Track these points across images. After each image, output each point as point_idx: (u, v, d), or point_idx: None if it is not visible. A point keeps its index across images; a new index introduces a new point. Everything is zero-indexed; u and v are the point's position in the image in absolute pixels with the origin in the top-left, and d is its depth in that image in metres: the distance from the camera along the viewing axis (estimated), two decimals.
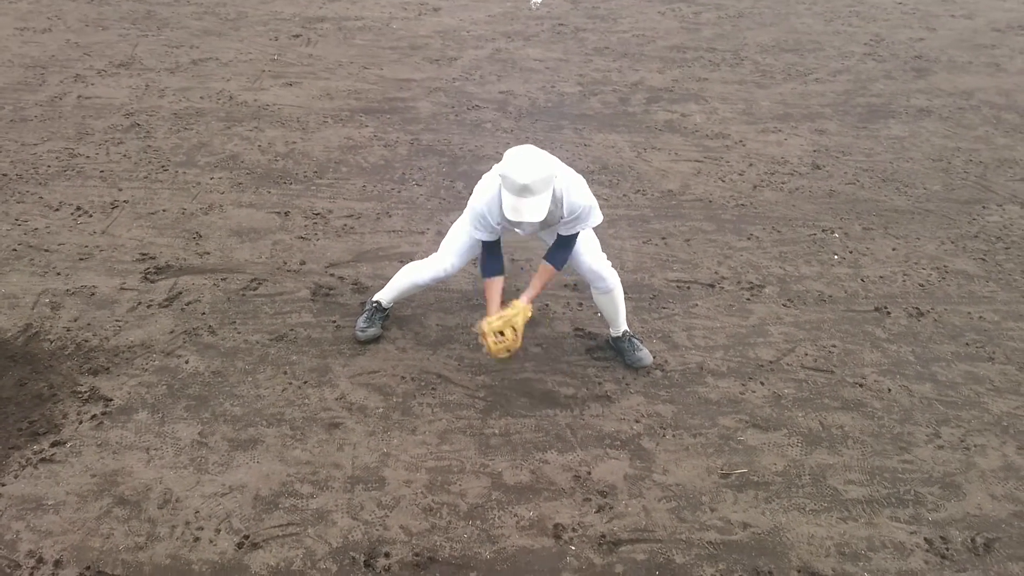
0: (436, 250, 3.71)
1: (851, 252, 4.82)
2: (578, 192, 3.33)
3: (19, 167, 5.25)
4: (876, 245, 4.91)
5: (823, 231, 5.03)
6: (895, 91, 7.42)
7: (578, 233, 3.46)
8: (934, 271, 4.67)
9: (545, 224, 3.38)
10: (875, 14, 9.94)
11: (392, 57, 7.63)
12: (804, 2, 10.30)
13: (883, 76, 7.80)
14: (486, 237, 3.42)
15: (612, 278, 3.63)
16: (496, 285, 3.47)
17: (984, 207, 5.42)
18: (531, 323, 3.99)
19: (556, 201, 3.28)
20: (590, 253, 3.59)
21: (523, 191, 3.08)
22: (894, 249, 4.87)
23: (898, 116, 6.85)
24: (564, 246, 3.47)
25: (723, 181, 5.59)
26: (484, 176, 3.50)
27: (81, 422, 3.30)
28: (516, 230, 3.42)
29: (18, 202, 4.85)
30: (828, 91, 7.35)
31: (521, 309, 3.40)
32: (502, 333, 3.36)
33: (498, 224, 3.36)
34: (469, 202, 3.46)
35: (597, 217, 3.44)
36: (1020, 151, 6.29)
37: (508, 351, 3.40)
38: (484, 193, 3.37)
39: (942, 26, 9.52)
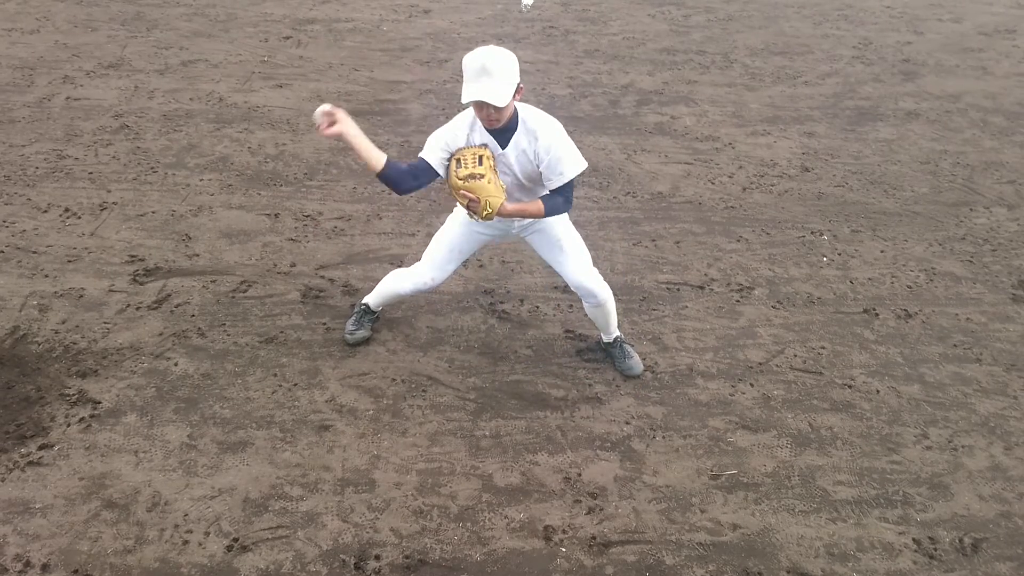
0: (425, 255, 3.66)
1: (840, 254, 4.84)
2: (553, 131, 3.20)
3: (7, 168, 5.22)
4: (864, 247, 4.93)
5: (812, 233, 5.05)
6: (883, 94, 7.46)
7: (571, 185, 3.27)
8: (922, 273, 4.70)
9: (523, 169, 3.24)
10: (863, 18, 10.00)
11: (382, 59, 7.63)
12: (793, 5, 10.36)
13: (871, 79, 7.85)
14: (426, 152, 3.20)
15: (603, 293, 3.54)
16: (382, 156, 3.15)
17: (971, 209, 5.46)
18: (521, 325, 4.01)
19: (530, 134, 3.17)
20: (581, 268, 3.50)
21: (481, 72, 2.94)
22: (882, 251, 4.90)
23: (886, 119, 6.90)
24: (561, 196, 3.28)
25: (713, 183, 5.62)
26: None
27: (69, 425, 3.28)
28: (503, 176, 3.24)
29: (6, 204, 4.82)
30: (817, 94, 7.39)
31: (489, 165, 3.16)
32: (473, 176, 3.12)
33: (447, 143, 3.19)
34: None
35: (579, 160, 3.26)
36: (1007, 154, 6.34)
37: (472, 193, 3.14)
38: (456, 118, 3.23)
39: (930, 30, 9.59)
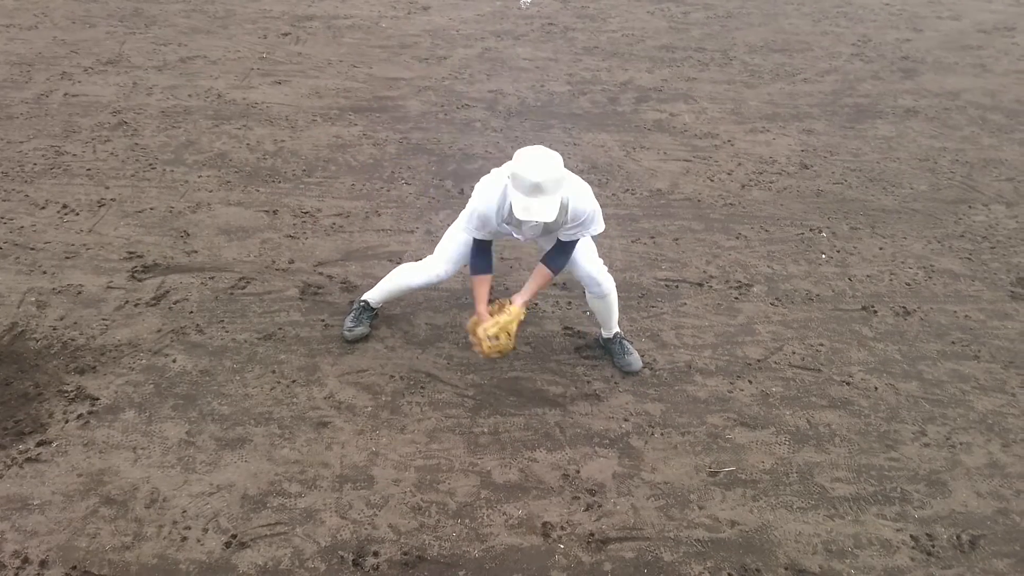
0: (426, 249, 3.70)
1: (838, 251, 4.84)
2: (584, 199, 3.29)
3: (5, 165, 5.20)
4: (863, 244, 4.93)
5: (811, 230, 5.05)
6: (882, 91, 7.46)
7: (578, 240, 3.43)
8: (920, 270, 4.70)
9: (547, 229, 3.36)
10: (863, 15, 10.00)
11: (381, 56, 7.61)
12: (792, 3, 10.35)
13: (870, 76, 7.84)
14: (482, 236, 3.40)
15: (608, 283, 3.61)
16: (485, 283, 3.45)
17: (970, 207, 5.46)
18: (521, 322, 4.00)
19: (562, 207, 3.23)
20: (588, 258, 3.57)
21: (534, 190, 3.04)
22: (881, 248, 4.90)
23: (885, 116, 6.89)
24: (563, 252, 3.43)
25: (712, 180, 5.61)
26: (484, 177, 3.45)
27: (67, 421, 3.28)
28: (515, 235, 3.41)
29: (4, 200, 4.81)
30: (816, 91, 7.38)
31: (516, 314, 3.39)
32: (496, 337, 3.35)
33: (499, 225, 3.34)
34: (470, 202, 3.42)
35: (600, 225, 3.41)
36: (1006, 151, 6.34)
37: (500, 353, 3.40)
38: (487, 192, 3.33)
39: (929, 27, 9.58)
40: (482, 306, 3.42)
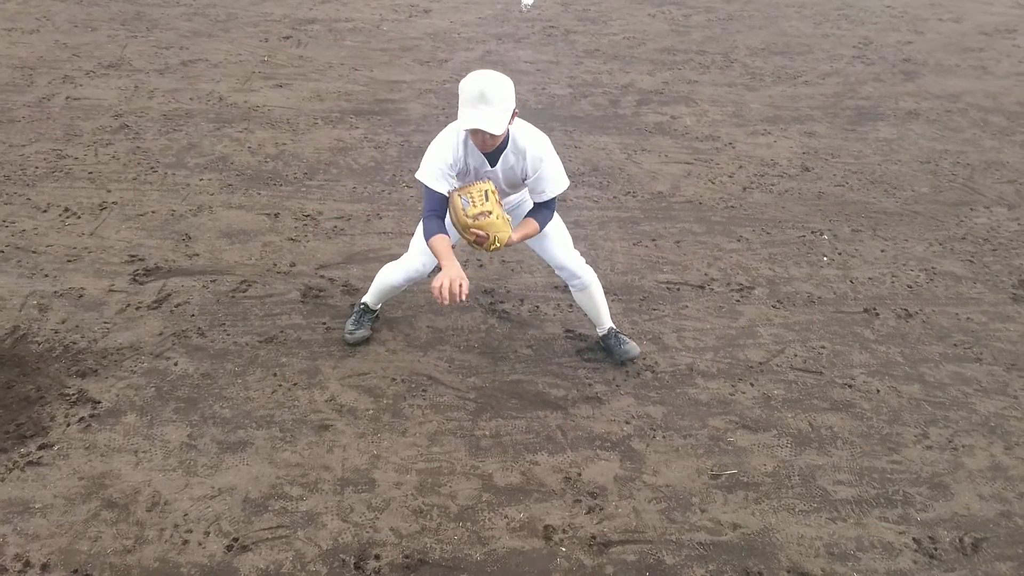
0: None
1: (840, 254, 4.84)
2: (540, 145, 3.26)
3: (6, 168, 5.21)
4: (865, 247, 4.93)
5: (812, 233, 5.05)
6: (883, 94, 7.46)
7: (554, 200, 3.38)
8: (922, 273, 4.70)
9: (510, 179, 3.31)
10: (864, 17, 10.00)
11: (383, 59, 7.63)
12: (793, 5, 10.36)
13: (872, 79, 7.85)
14: (436, 184, 3.21)
15: (587, 274, 3.63)
16: (444, 240, 3.20)
17: (971, 209, 5.46)
18: (521, 325, 4.01)
19: (519, 153, 3.23)
20: (562, 249, 3.58)
21: (479, 99, 2.98)
22: (883, 251, 4.90)
23: (886, 119, 6.89)
24: (544, 207, 3.40)
25: (713, 183, 5.61)
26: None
27: (69, 424, 3.28)
28: (476, 168, 3.29)
29: (5, 204, 4.82)
30: (817, 94, 7.39)
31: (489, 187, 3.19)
32: (484, 214, 3.14)
33: (455, 167, 3.24)
34: (430, 146, 3.28)
35: (563, 178, 3.35)
36: (1007, 153, 6.34)
37: (498, 237, 3.19)
38: (441, 137, 3.26)
39: (930, 29, 9.59)
40: (447, 259, 3.12)
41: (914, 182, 5.79)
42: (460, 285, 3.01)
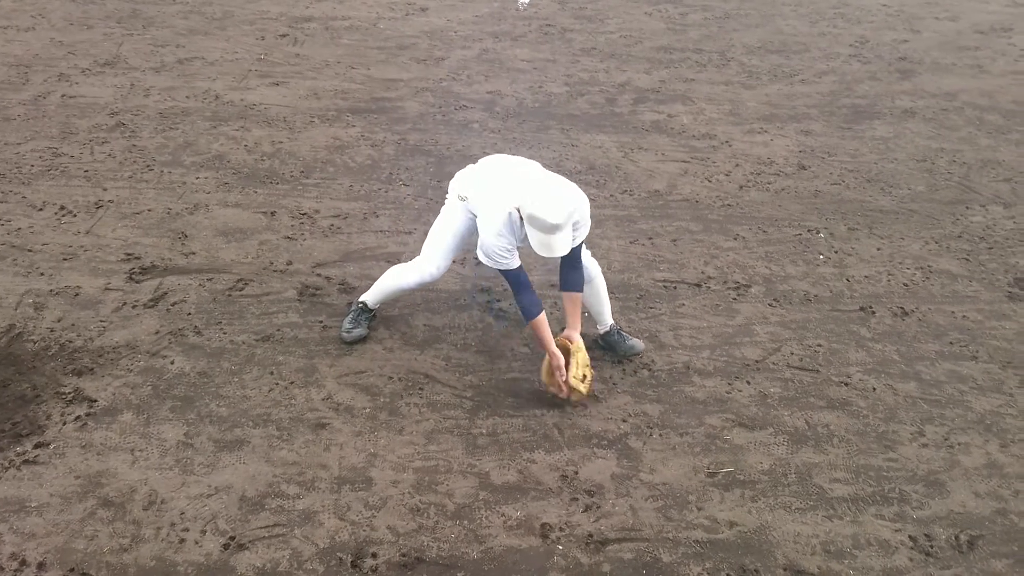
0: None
1: (836, 252, 4.85)
2: (577, 202, 3.29)
3: (2, 167, 5.20)
4: (861, 245, 4.94)
5: (809, 231, 5.06)
6: (880, 92, 7.47)
7: (581, 247, 3.45)
8: (918, 271, 4.70)
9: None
10: (860, 16, 10.01)
11: (379, 57, 7.62)
12: (790, 3, 10.36)
13: (868, 77, 7.85)
14: (516, 265, 3.37)
15: (592, 267, 3.64)
16: (544, 322, 3.43)
17: (967, 207, 5.47)
18: (518, 323, 4.01)
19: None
20: None
21: (553, 229, 3.11)
22: (879, 249, 4.91)
23: (883, 117, 6.90)
24: (574, 266, 3.46)
25: (710, 181, 5.62)
26: (483, 208, 3.39)
27: (65, 423, 3.27)
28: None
29: (1, 202, 4.81)
30: (814, 92, 7.39)
31: (581, 347, 3.48)
32: (584, 377, 3.44)
33: (516, 246, 3.38)
34: (486, 232, 3.30)
35: (588, 225, 3.42)
36: (1003, 152, 6.35)
37: (590, 389, 3.49)
38: (501, 221, 3.29)
39: (926, 28, 9.60)
40: (552, 345, 3.42)
41: (910, 180, 5.80)
42: (584, 376, 3.41)
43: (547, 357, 3.46)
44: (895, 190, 5.64)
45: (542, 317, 3.41)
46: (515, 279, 3.40)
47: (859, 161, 6.06)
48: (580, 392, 3.43)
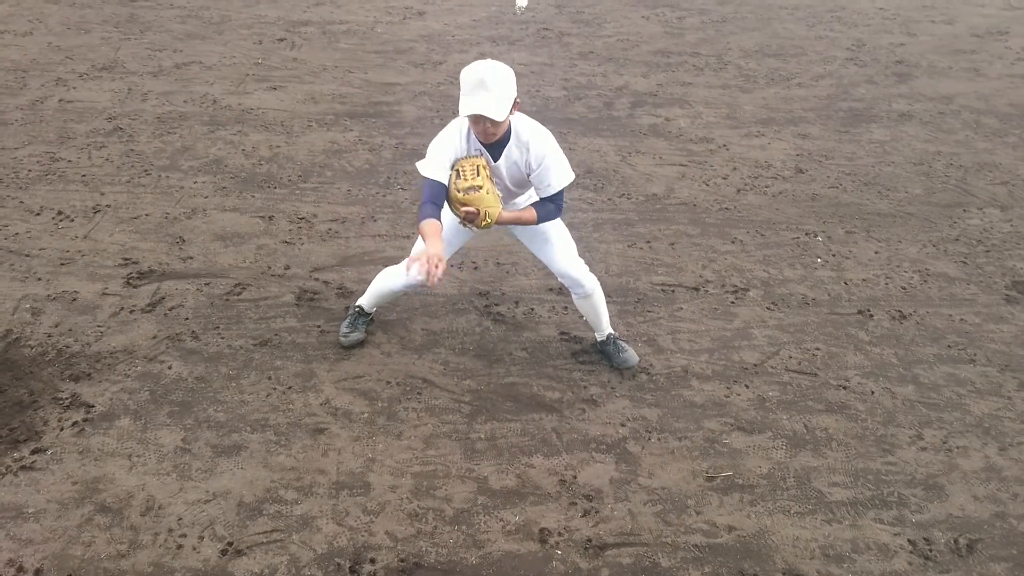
0: None
1: (834, 255, 4.85)
2: (543, 139, 3.24)
3: None
4: (859, 248, 4.94)
5: (806, 234, 5.06)
6: (877, 96, 7.49)
7: (560, 197, 3.35)
8: (916, 274, 4.71)
9: (516, 181, 3.32)
10: (857, 20, 10.03)
11: (377, 61, 7.62)
12: (787, 7, 10.38)
13: (865, 81, 7.87)
14: (435, 174, 3.16)
15: (590, 283, 3.61)
16: (435, 224, 3.08)
17: (964, 210, 5.48)
18: (516, 327, 4.01)
19: (522, 146, 3.22)
20: (567, 258, 3.56)
21: (478, 86, 2.98)
22: (876, 252, 4.91)
23: (880, 120, 6.92)
24: (552, 203, 3.36)
25: (707, 185, 5.62)
26: None
27: (62, 429, 3.26)
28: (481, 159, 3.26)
29: None
30: (811, 96, 7.41)
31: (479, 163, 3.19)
32: (474, 188, 3.14)
33: (451, 159, 3.21)
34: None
35: (568, 171, 3.32)
36: (1000, 155, 6.36)
37: (488, 212, 3.17)
38: (440, 133, 3.25)
39: (923, 31, 9.62)
40: (435, 237, 3.00)
41: (907, 184, 5.81)
42: (437, 264, 2.86)
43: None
44: (892, 193, 5.65)
45: (427, 226, 3.05)
46: (426, 187, 3.19)
47: (856, 164, 6.07)
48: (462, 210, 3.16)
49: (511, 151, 3.24)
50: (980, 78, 8.12)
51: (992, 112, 7.23)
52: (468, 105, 3.01)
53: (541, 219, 3.38)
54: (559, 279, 3.65)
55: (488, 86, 2.98)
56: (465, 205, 3.16)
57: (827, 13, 10.21)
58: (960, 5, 10.83)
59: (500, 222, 3.27)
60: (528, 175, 3.30)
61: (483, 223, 3.20)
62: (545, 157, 3.23)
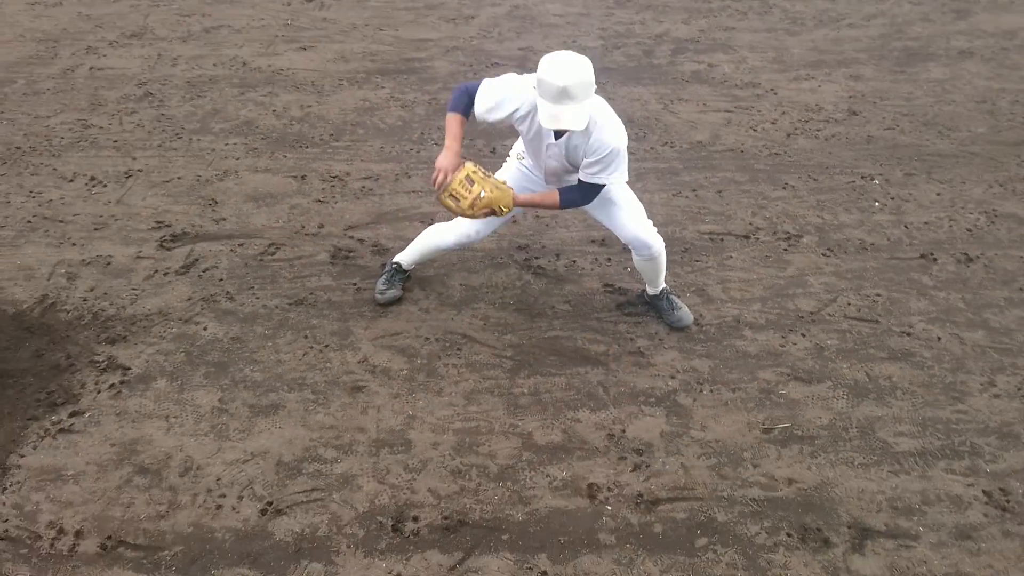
0: None
1: (893, 199, 4.58)
2: (611, 131, 3.08)
3: (32, 139, 5.16)
4: (919, 191, 4.67)
5: (862, 178, 4.79)
6: (934, 33, 7.08)
7: (598, 187, 3.21)
8: (982, 215, 4.43)
9: (568, 160, 3.19)
10: None
11: (407, 17, 7.43)
12: None
13: (920, 19, 7.45)
14: (487, 98, 3.11)
15: (657, 244, 3.40)
16: (458, 120, 3.17)
17: None
18: (558, 280, 3.86)
19: (588, 133, 3.05)
20: (636, 221, 3.37)
21: (561, 95, 2.86)
22: (938, 194, 4.63)
23: (938, 59, 6.54)
24: (580, 191, 3.23)
25: (755, 130, 5.36)
26: (512, 74, 3.22)
27: (99, 391, 3.22)
28: (526, 167, 3.27)
29: (32, 174, 4.77)
30: (863, 36, 7.03)
31: (470, 168, 3.17)
32: (470, 184, 3.14)
33: (511, 111, 3.10)
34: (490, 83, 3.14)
35: (623, 171, 3.19)
36: None
37: (488, 206, 3.17)
38: (517, 85, 3.09)
39: None
40: (450, 148, 3.14)
41: (970, 122, 5.47)
42: (436, 178, 3.08)
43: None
44: (954, 133, 5.33)
45: (452, 118, 3.17)
46: (469, 91, 3.16)
47: (914, 105, 5.74)
48: (450, 205, 3.18)
49: (575, 135, 3.10)
50: None
51: None
52: (551, 117, 2.91)
53: (564, 204, 3.28)
54: (625, 241, 3.45)
55: (572, 95, 2.86)
56: (482, 212, 3.18)
57: None
58: None
59: (517, 203, 3.24)
60: (583, 156, 3.15)
61: (504, 213, 3.21)
62: (605, 149, 3.08)
